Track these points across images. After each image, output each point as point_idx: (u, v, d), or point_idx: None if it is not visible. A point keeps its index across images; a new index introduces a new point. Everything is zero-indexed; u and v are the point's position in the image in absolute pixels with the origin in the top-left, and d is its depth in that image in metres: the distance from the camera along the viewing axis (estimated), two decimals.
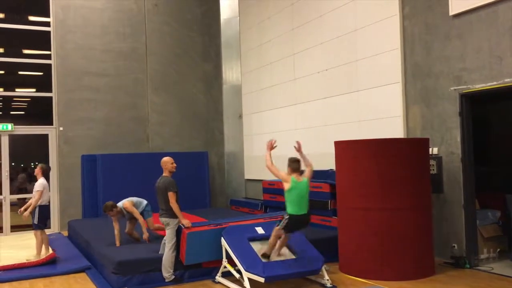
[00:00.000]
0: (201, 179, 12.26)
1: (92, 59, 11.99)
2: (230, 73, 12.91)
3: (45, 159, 11.54)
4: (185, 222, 6.37)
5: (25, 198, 11.26)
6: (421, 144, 6.57)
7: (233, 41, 12.73)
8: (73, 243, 9.28)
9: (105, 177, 11.16)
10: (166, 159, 6.62)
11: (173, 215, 6.35)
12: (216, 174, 13.18)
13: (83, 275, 7.05)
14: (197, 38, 13.19)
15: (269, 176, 10.81)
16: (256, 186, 11.70)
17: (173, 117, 12.80)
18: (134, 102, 12.38)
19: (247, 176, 12.41)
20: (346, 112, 8.78)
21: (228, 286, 6.12)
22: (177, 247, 6.39)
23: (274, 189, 9.89)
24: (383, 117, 7.95)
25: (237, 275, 6.01)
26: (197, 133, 13.11)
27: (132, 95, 12.36)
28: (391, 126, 7.77)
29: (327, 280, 5.99)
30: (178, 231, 6.41)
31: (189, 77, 13.07)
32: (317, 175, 9.00)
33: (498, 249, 7.08)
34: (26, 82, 12.70)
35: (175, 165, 6.60)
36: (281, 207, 9.23)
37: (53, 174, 11.55)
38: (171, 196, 6.27)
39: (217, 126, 13.22)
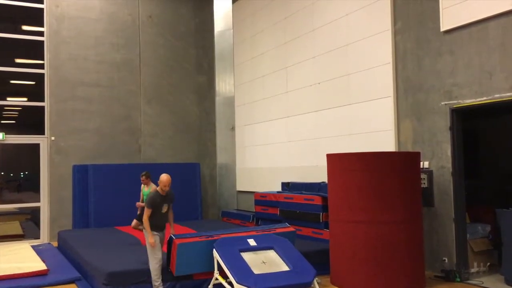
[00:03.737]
0: (193, 191, 12.24)
1: (86, 70, 12.00)
2: (223, 85, 12.97)
3: (36, 168, 11.48)
4: (151, 241, 6.23)
5: None
6: (413, 158, 6.63)
7: (227, 53, 12.81)
8: (63, 254, 9.20)
9: (96, 187, 11.11)
10: (168, 179, 6.40)
11: (152, 228, 6.35)
12: (208, 185, 13.17)
13: (73, 286, 6.99)
14: (191, 50, 13.27)
15: (261, 188, 10.86)
16: (248, 198, 11.69)
17: (166, 128, 12.82)
18: (127, 113, 12.38)
19: (239, 188, 12.41)
20: (338, 125, 8.85)
21: None
22: (167, 257, 6.40)
23: (266, 201, 9.90)
24: (375, 130, 8.02)
25: (228, 287, 5.99)
26: (189, 144, 13.12)
27: (125, 106, 12.37)
28: (383, 139, 7.84)
29: None
30: (169, 242, 6.39)
31: (182, 88, 13.11)
32: (309, 188, 9.08)
33: (488, 263, 7.14)
34: (18, 91, 12.66)
35: (167, 189, 6.42)
36: (273, 219, 9.29)
37: (44, 184, 11.48)
38: (145, 212, 6.32)
39: (209, 137, 13.24)
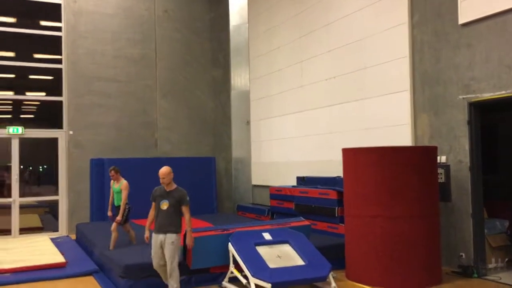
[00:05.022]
0: (208, 185, 12.31)
1: (103, 65, 12.11)
2: (239, 79, 12.97)
3: (54, 162, 11.66)
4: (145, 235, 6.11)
5: None
6: (430, 152, 6.57)
7: (242, 47, 12.80)
8: (81, 246, 9.35)
9: None
10: (163, 170, 5.95)
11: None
12: (223, 179, 13.22)
13: (90, 278, 7.10)
14: (206, 44, 13.30)
15: (276, 182, 10.86)
16: (263, 192, 11.71)
17: (182, 122, 12.89)
18: (143, 107, 12.48)
19: (254, 182, 12.43)
20: (353, 120, 8.80)
21: None
22: (183, 251, 6.38)
23: (281, 195, 9.91)
24: (391, 125, 7.95)
25: (243, 281, 6.02)
26: (205, 138, 13.18)
27: (141, 100, 12.46)
28: (399, 134, 7.77)
29: (334, 287, 5.98)
30: (185, 236, 6.39)
31: (198, 83, 13.16)
32: (324, 182, 9.05)
33: (506, 259, 7.04)
34: (36, 86, 12.84)
35: (162, 181, 5.96)
36: (288, 213, 9.30)
37: (62, 177, 11.66)
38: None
39: (225, 131, 13.28)
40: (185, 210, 5.92)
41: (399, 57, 7.79)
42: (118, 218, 7.73)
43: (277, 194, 10.10)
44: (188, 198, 5.93)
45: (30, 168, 12.70)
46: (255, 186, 12.41)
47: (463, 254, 6.79)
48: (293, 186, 9.84)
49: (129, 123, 12.29)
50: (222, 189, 13.12)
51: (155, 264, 5.99)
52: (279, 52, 11.18)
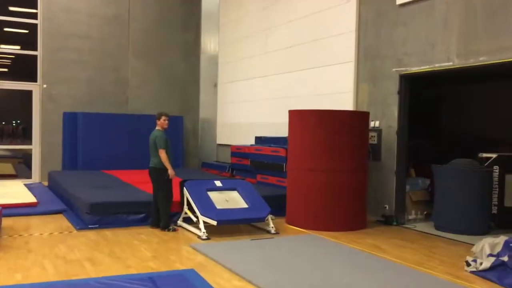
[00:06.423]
0: (176, 142, 13.09)
1: (77, 22, 12.58)
2: (209, 44, 13.66)
3: (28, 115, 12.24)
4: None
5: None
6: (362, 117, 7.53)
7: (213, 12, 13.43)
8: (52, 192, 10.12)
9: (84, 134, 11.93)
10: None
11: None
12: (190, 138, 14.03)
13: (60, 216, 7.93)
14: (179, 7, 13.82)
15: (238, 142, 11.76)
16: (226, 150, 12.59)
17: (152, 82, 13.52)
18: (115, 65, 13.05)
19: (218, 141, 13.32)
20: (306, 86, 9.69)
21: (187, 228, 7.08)
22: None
23: (240, 153, 10.82)
24: (337, 92, 8.86)
25: (195, 219, 6.96)
26: (174, 99, 13.86)
27: (114, 58, 13.02)
28: (344, 100, 8.68)
29: (272, 227, 6.98)
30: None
31: (170, 44, 13.74)
32: (279, 141, 9.99)
33: (426, 212, 8.15)
34: (10, 39, 13.20)
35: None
36: (246, 169, 10.24)
37: (36, 129, 12.28)
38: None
39: (193, 93, 14.02)
40: None
41: (347, 31, 8.62)
42: None
43: (237, 152, 11.02)
44: None
45: (15, 123, 13.19)
46: (219, 145, 13.29)
47: (387, 206, 7.87)
48: (251, 145, 10.75)
49: (101, 80, 12.86)
50: (188, 146, 13.95)
51: None
52: (246, 19, 11.87)
